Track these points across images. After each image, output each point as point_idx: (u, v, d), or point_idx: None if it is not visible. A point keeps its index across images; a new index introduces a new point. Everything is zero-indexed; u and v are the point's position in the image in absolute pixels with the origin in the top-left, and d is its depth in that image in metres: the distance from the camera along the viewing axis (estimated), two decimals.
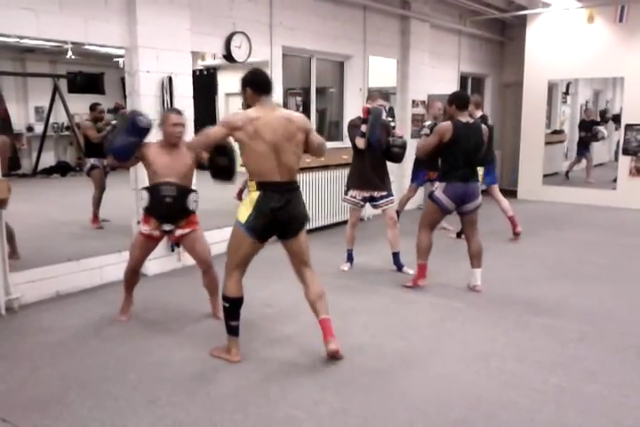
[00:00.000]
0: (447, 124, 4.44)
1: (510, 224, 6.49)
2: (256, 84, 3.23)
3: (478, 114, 6.38)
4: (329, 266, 5.22)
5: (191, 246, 3.88)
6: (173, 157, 3.74)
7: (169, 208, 3.69)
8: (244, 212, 3.16)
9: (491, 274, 5.08)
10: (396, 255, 5.18)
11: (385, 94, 5.40)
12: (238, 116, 3.16)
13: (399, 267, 5.18)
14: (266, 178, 3.13)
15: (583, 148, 10.70)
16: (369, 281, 4.85)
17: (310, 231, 6.51)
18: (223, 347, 3.36)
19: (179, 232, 3.81)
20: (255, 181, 3.14)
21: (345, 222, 7.19)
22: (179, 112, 3.82)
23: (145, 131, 3.75)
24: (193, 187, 3.94)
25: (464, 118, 4.48)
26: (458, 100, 4.49)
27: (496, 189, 6.66)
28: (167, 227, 3.76)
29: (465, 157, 4.44)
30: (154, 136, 3.88)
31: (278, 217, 3.15)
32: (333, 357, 3.26)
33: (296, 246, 3.31)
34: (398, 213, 7.14)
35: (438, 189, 4.48)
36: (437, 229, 6.39)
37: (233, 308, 3.27)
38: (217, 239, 4.76)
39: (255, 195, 3.13)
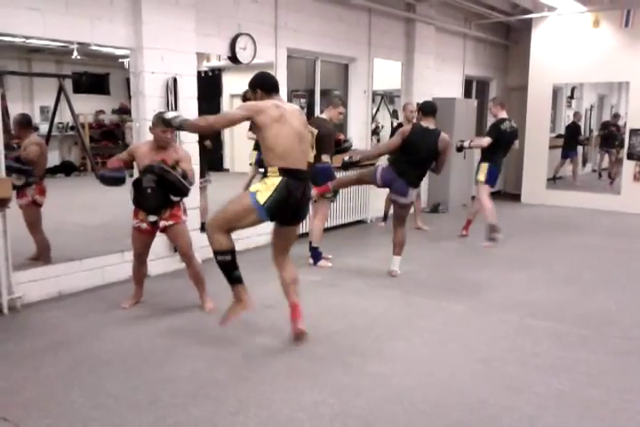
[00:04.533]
0: (408, 126, 5.06)
1: (466, 224, 6.75)
2: (267, 85, 3.42)
3: (502, 115, 6.43)
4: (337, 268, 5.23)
5: (174, 239, 4.15)
6: (156, 160, 3.91)
7: (151, 199, 3.89)
8: (264, 192, 3.23)
9: (493, 278, 5.09)
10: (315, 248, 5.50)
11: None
12: (261, 102, 3.31)
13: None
14: (289, 164, 3.25)
15: (569, 150, 10.71)
16: (371, 284, 4.84)
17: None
18: (231, 306, 3.43)
19: (162, 224, 4.02)
20: (277, 166, 3.23)
21: (353, 224, 7.23)
22: None
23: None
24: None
25: (426, 124, 4.98)
26: (424, 108, 5.06)
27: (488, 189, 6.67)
28: (152, 218, 3.98)
29: (413, 157, 4.83)
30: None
31: (294, 204, 3.29)
32: (299, 335, 3.46)
33: (291, 233, 3.55)
34: (386, 213, 7.17)
35: (379, 166, 4.96)
36: (413, 230, 6.55)
37: (233, 257, 3.37)
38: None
39: (277, 180, 3.22)
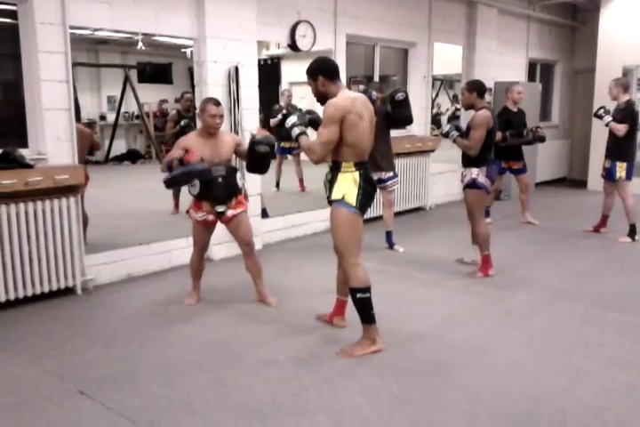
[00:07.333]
0: (486, 112, 4.47)
1: (602, 220, 6.27)
2: (329, 71, 3.20)
3: (625, 98, 5.73)
4: (391, 254, 5.22)
5: (236, 227, 3.92)
6: (214, 146, 3.77)
7: (222, 188, 3.75)
8: (350, 193, 3.12)
9: (559, 268, 4.95)
10: (389, 234, 5.51)
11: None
12: (343, 100, 3.08)
13: (390, 245, 5.50)
14: (362, 157, 3.18)
15: None
16: (433, 271, 4.80)
17: (367, 221, 6.53)
18: (360, 342, 3.26)
19: (231, 212, 3.86)
20: (353, 161, 3.13)
21: (413, 211, 7.19)
22: (217, 103, 3.78)
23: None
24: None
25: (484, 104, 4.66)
26: (480, 88, 4.61)
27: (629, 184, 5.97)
28: (220, 208, 3.79)
29: (492, 142, 4.61)
30: None
31: (373, 194, 3.26)
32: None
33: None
34: (488, 207, 6.88)
35: (480, 175, 4.53)
36: (524, 224, 6.45)
37: (370, 296, 3.20)
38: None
39: (356, 174, 3.13)
